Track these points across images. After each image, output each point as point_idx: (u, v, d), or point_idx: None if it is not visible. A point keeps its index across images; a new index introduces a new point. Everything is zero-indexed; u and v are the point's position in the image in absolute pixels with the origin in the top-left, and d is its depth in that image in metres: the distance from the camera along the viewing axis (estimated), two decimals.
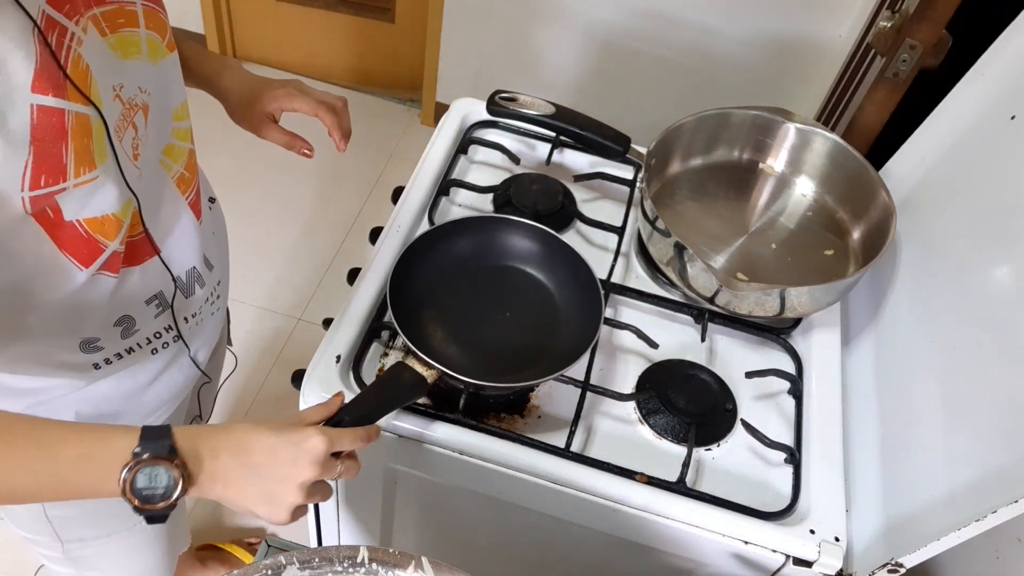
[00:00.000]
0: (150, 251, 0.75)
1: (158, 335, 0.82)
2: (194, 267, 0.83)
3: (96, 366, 0.77)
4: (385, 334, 0.94)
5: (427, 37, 2.37)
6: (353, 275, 0.98)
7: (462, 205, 1.11)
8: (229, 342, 1.11)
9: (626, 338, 0.96)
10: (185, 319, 0.84)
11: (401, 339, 0.93)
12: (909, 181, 1.03)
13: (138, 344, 0.80)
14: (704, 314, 0.98)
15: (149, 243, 0.75)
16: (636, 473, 0.83)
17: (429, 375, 0.81)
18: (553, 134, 1.12)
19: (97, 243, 0.66)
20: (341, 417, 0.73)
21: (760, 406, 0.94)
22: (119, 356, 0.79)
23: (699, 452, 0.88)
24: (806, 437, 0.90)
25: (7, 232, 0.59)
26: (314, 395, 0.85)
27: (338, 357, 0.88)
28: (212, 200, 0.93)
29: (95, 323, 0.74)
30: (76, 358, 0.75)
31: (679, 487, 0.83)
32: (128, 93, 0.66)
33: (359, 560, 0.62)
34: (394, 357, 0.92)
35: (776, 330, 1.00)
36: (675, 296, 1.02)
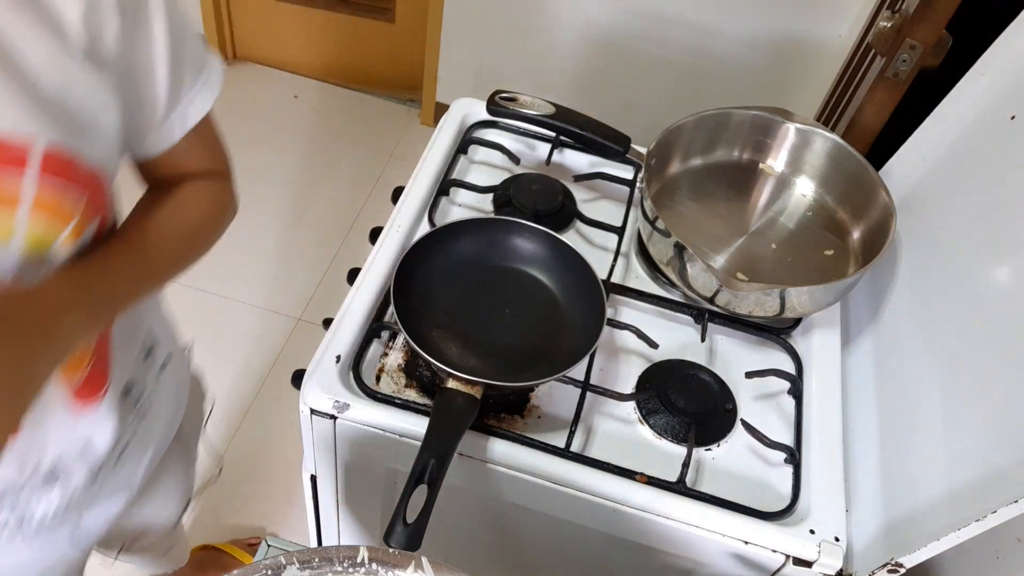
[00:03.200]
0: None
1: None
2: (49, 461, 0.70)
3: None
4: (385, 334, 0.94)
5: (427, 37, 2.37)
6: (353, 275, 0.98)
7: (462, 205, 1.10)
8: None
9: (626, 338, 0.96)
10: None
11: (401, 339, 0.93)
12: (909, 181, 1.03)
13: None
14: (704, 314, 0.98)
15: None
16: (636, 473, 0.83)
17: (475, 391, 0.81)
18: (553, 134, 1.12)
19: None
20: (424, 456, 0.73)
21: (760, 406, 0.94)
22: None
23: (699, 452, 0.88)
24: (806, 437, 0.90)
25: None
26: (314, 395, 0.85)
27: (338, 357, 0.88)
28: (164, 367, 0.81)
29: None
30: None
31: (679, 487, 0.83)
32: None
33: (359, 560, 0.62)
34: (394, 357, 0.92)
35: (776, 330, 1.00)
36: (675, 296, 1.02)
